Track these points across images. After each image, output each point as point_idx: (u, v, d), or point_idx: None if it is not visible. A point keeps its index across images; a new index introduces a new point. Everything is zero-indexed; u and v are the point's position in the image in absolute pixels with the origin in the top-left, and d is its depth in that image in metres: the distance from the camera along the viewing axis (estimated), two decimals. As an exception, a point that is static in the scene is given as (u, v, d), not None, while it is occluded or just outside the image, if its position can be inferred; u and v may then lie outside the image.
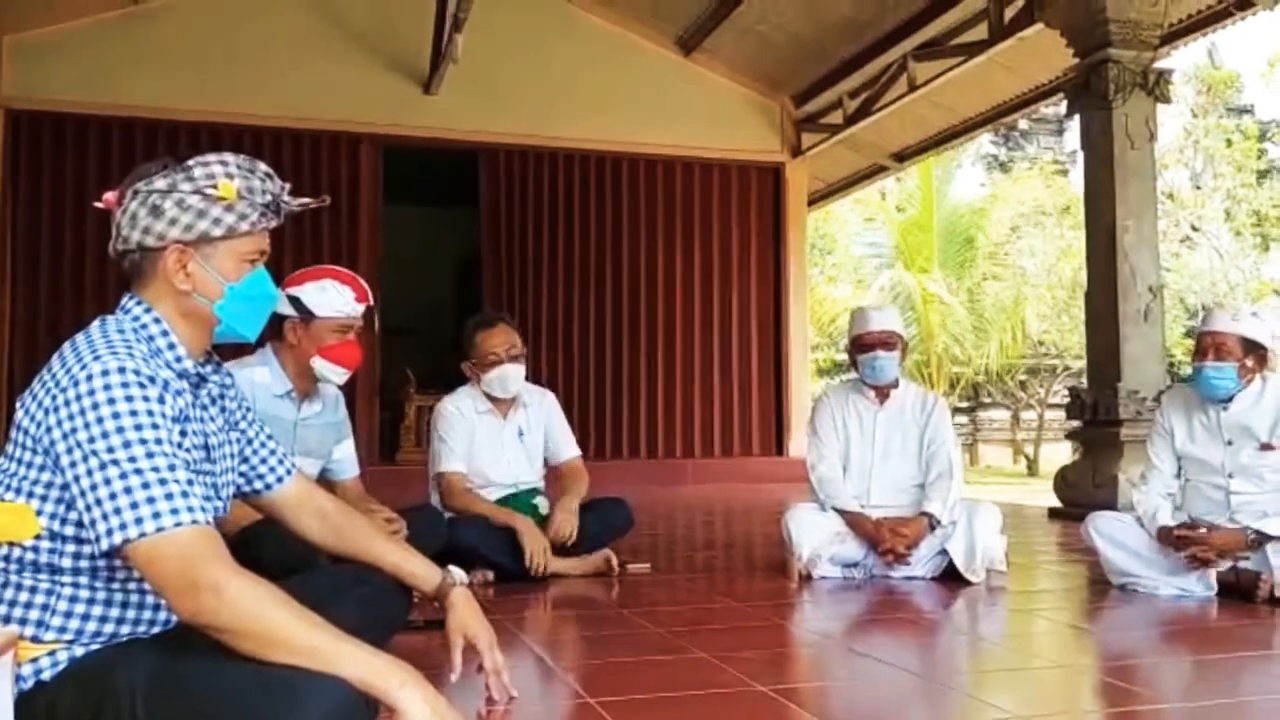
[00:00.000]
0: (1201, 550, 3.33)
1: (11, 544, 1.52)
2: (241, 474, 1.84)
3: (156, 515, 1.43)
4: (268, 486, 1.88)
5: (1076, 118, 6.90)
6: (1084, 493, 6.28)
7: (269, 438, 1.89)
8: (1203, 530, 3.36)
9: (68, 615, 1.53)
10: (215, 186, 1.61)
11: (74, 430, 1.46)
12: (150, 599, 1.57)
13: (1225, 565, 3.37)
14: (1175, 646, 2.93)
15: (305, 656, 1.41)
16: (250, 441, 1.85)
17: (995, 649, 2.99)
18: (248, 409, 1.87)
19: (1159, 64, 6.61)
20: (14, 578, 1.53)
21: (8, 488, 1.53)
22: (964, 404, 20.59)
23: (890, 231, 19.97)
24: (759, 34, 9.70)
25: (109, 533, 1.43)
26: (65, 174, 8.81)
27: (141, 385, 1.50)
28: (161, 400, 1.51)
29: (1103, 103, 6.45)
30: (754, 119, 10.74)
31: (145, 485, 1.44)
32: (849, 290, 20.76)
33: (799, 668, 2.73)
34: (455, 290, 13.58)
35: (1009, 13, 7.87)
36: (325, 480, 3.26)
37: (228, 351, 1.95)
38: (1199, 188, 21.35)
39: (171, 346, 1.63)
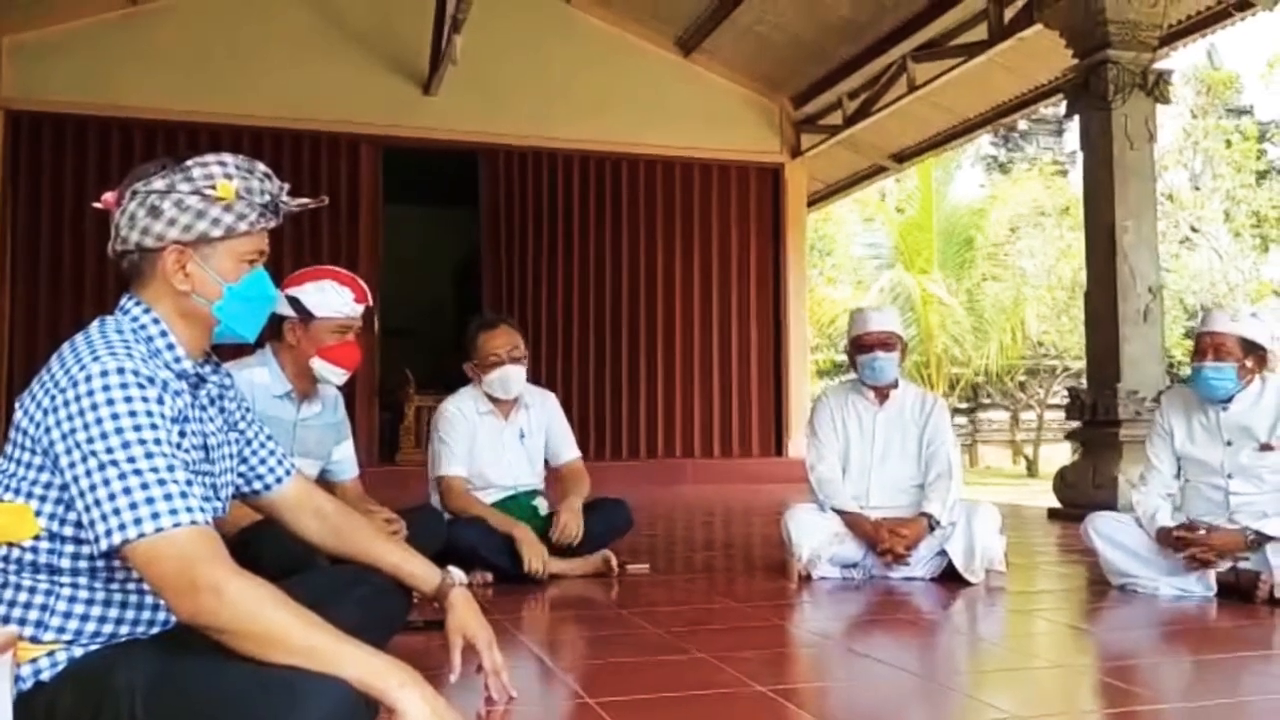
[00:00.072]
0: (1201, 551, 3.33)
1: (11, 544, 1.52)
2: (240, 474, 1.84)
3: (155, 516, 1.43)
4: (267, 487, 1.88)
5: (1076, 118, 6.90)
6: (1083, 493, 6.28)
7: (268, 438, 1.89)
8: (1202, 531, 3.36)
9: (67, 616, 1.52)
10: (214, 187, 1.61)
11: (73, 431, 1.46)
12: (149, 599, 1.57)
13: (1225, 566, 3.37)
14: (1175, 647, 2.93)
15: (304, 657, 1.41)
16: (249, 442, 1.85)
17: (994, 649, 2.99)
18: (247, 409, 1.87)
19: (1158, 65, 6.62)
20: (13, 578, 1.52)
21: (7, 488, 1.52)
22: (963, 405, 20.60)
23: (890, 232, 19.98)
24: (758, 34, 9.70)
25: (108, 533, 1.43)
26: (65, 174, 8.82)
27: (141, 386, 1.50)
28: (160, 401, 1.51)
29: (1102, 103, 6.45)
30: (753, 120, 10.74)
31: (144, 486, 1.44)
32: (848, 291, 20.77)
33: (798, 668, 2.73)
34: (455, 291, 13.59)
35: (1008, 13, 7.88)
36: (325, 481, 3.26)
37: (227, 352, 1.95)
38: (1198, 188, 21.36)
39: (170, 347, 1.63)
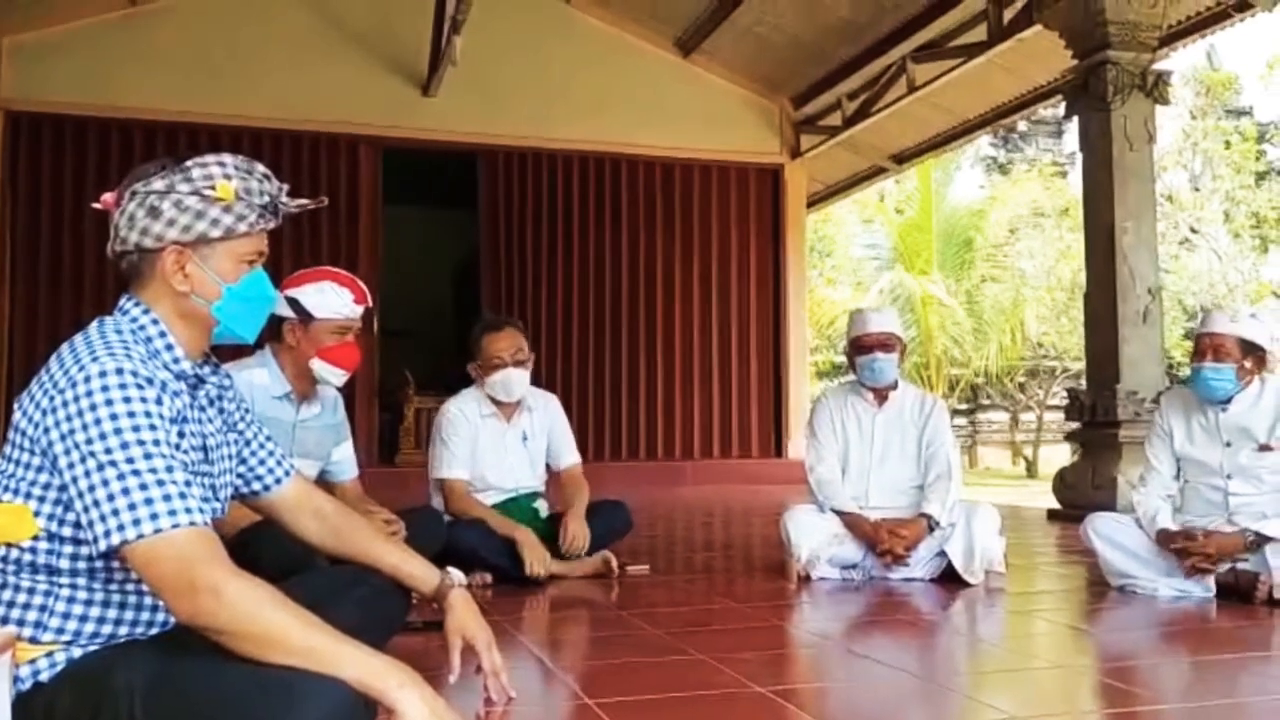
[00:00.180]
0: (1200, 560, 3.34)
1: (9, 545, 1.52)
2: (240, 475, 1.84)
3: (154, 517, 1.43)
4: (266, 488, 1.88)
5: (1075, 119, 6.91)
6: (1083, 494, 6.28)
7: (267, 439, 1.89)
8: (1200, 537, 3.36)
9: (66, 616, 1.52)
10: (213, 188, 1.60)
11: (72, 431, 1.46)
12: (148, 600, 1.57)
13: (1224, 567, 3.37)
14: (1174, 647, 2.93)
15: (303, 657, 1.41)
16: (248, 443, 1.85)
17: (994, 650, 2.99)
18: (246, 410, 1.87)
19: (1158, 66, 6.62)
20: (12, 579, 1.52)
21: (5, 489, 1.52)
22: (963, 406, 20.61)
23: (889, 233, 19.98)
24: (758, 35, 9.71)
25: (107, 534, 1.43)
26: (64, 175, 8.83)
27: (139, 386, 1.49)
28: (159, 401, 1.51)
29: (1101, 104, 6.46)
30: (753, 120, 10.75)
31: (143, 486, 1.44)
32: (848, 292, 20.77)
33: (798, 669, 2.73)
34: (454, 292, 13.59)
35: (1008, 14, 7.89)
36: (324, 482, 3.26)
37: (226, 353, 1.95)
38: (1198, 189, 21.37)
39: (169, 348, 1.63)
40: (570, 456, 4.15)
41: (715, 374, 10.55)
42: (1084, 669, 2.72)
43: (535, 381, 4.07)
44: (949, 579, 3.72)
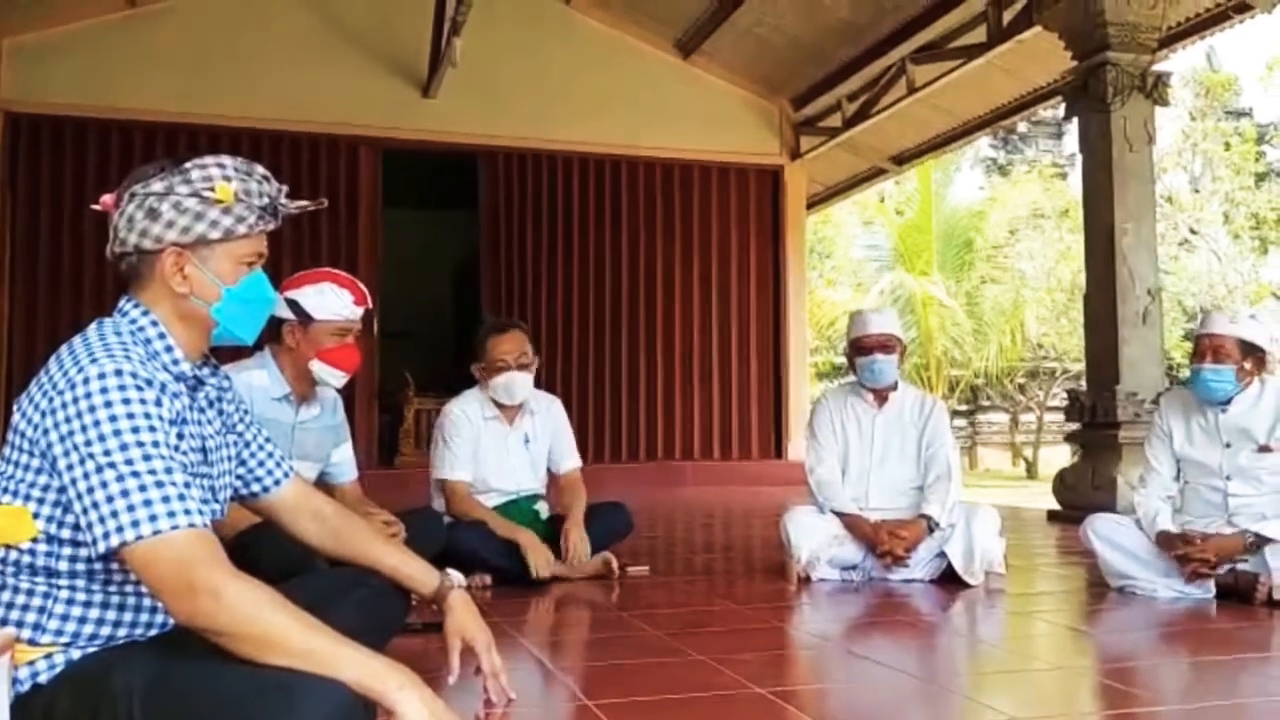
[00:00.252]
0: (1200, 566, 3.34)
1: (8, 547, 1.52)
2: (239, 477, 1.84)
3: (153, 518, 1.43)
4: (265, 489, 1.88)
5: (1075, 121, 6.91)
6: (1082, 495, 6.28)
7: (267, 440, 1.89)
8: (1199, 541, 3.36)
9: (64, 618, 1.52)
10: (212, 189, 1.60)
11: (71, 433, 1.46)
12: (147, 602, 1.57)
13: (1224, 568, 3.37)
14: (1174, 649, 2.93)
15: (303, 659, 1.41)
16: (248, 444, 1.85)
17: (994, 651, 2.99)
18: (245, 412, 1.87)
19: (1157, 67, 6.62)
20: (11, 580, 1.52)
21: (5, 490, 1.52)
22: (963, 407, 20.60)
23: (889, 234, 19.99)
24: (757, 37, 9.71)
25: (106, 536, 1.43)
26: (64, 177, 8.82)
27: (139, 388, 1.49)
28: (158, 403, 1.51)
29: (1101, 105, 6.46)
30: (753, 122, 10.75)
31: (142, 488, 1.44)
32: (848, 293, 20.77)
33: (798, 670, 2.73)
34: (454, 293, 13.59)
35: (1007, 16, 7.89)
36: (323, 484, 3.26)
37: (226, 354, 1.95)
38: (1197, 190, 21.38)
39: (169, 349, 1.63)
40: (570, 461, 4.15)
41: (715, 375, 10.55)
42: (1084, 670, 2.72)
43: (535, 383, 4.06)
44: (949, 580, 3.72)
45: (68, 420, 1.46)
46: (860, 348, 3.94)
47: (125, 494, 1.43)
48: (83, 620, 1.53)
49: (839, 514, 3.83)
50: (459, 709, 1.66)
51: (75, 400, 1.47)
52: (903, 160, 11.51)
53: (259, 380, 3.07)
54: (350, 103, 9.33)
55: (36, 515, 1.50)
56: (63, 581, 1.53)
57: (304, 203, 1.73)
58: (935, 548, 3.77)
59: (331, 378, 3.12)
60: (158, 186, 1.60)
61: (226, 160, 1.65)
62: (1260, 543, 3.29)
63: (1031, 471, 19.03)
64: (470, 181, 10.31)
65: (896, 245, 19.61)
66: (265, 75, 9.14)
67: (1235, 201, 20.93)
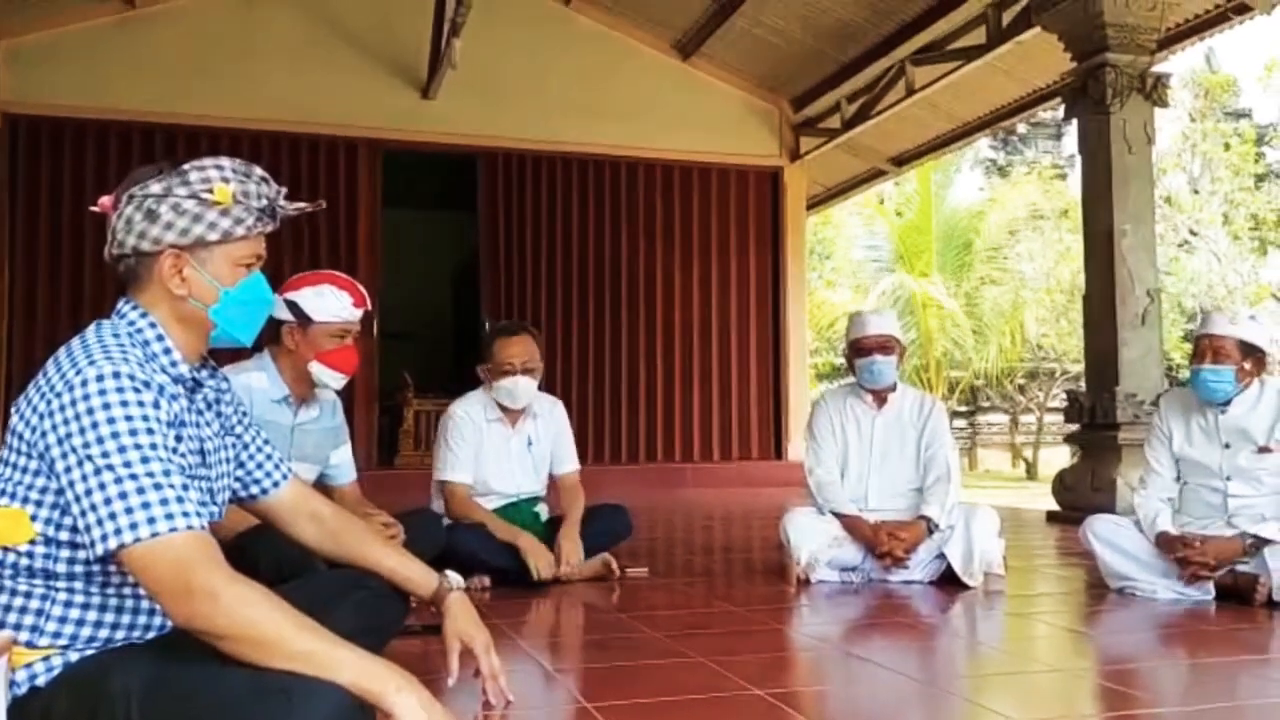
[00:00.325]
0: (1199, 569, 3.34)
1: (6, 549, 1.52)
2: (237, 479, 1.84)
3: (151, 520, 1.42)
4: (264, 491, 1.88)
5: (1074, 122, 6.91)
6: (1082, 496, 6.28)
7: (265, 442, 1.89)
8: (1198, 544, 3.36)
9: (62, 620, 1.52)
10: (211, 191, 1.60)
11: (69, 435, 1.46)
12: (145, 604, 1.57)
13: (1223, 570, 3.37)
14: (1173, 650, 2.93)
15: (301, 661, 1.40)
16: (246, 446, 1.85)
17: (993, 653, 2.99)
18: (244, 413, 1.87)
19: (1156, 68, 6.63)
20: (8, 583, 1.52)
21: (3, 493, 1.52)
22: (962, 408, 20.60)
23: (889, 236, 19.99)
24: (757, 38, 9.71)
25: (104, 538, 1.43)
26: (63, 178, 8.82)
27: (136, 390, 1.49)
28: (156, 405, 1.51)
29: (1100, 107, 6.46)
30: (752, 123, 10.75)
31: (140, 490, 1.43)
32: (848, 294, 20.76)
33: (797, 672, 2.73)
34: (454, 294, 13.59)
35: (1007, 17, 7.89)
36: (322, 485, 3.26)
37: (225, 356, 1.95)
38: (1197, 192, 21.38)
39: (167, 351, 1.62)
40: (570, 464, 4.14)
41: (715, 376, 10.54)
42: (1083, 672, 2.72)
43: (538, 386, 4.05)
44: (948, 581, 3.72)
45: (66, 422, 1.46)
46: (859, 349, 3.94)
47: (123, 496, 1.43)
48: (81, 623, 1.53)
49: (838, 515, 3.83)
50: (458, 711, 1.66)
51: (73, 402, 1.46)
52: (902, 161, 11.51)
53: (258, 382, 3.07)
54: (350, 104, 9.33)
55: (34, 517, 1.50)
56: (61, 584, 1.52)
57: (302, 204, 1.73)
58: (935, 549, 3.77)
59: (330, 380, 3.11)
60: (156, 188, 1.60)
61: (225, 162, 1.64)
62: (1259, 545, 3.29)
63: (1031, 473, 19.02)
64: (470, 183, 10.31)
65: (896, 246, 19.60)
66: (264, 76, 9.13)
67: (1235, 202, 20.94)
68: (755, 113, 10.75)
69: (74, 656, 1.52)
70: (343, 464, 3.35)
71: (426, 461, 4.15)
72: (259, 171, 1.67)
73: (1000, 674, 2.68)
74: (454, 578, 2.10)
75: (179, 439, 1.56)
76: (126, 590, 1.55)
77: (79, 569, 1.52)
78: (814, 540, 3.79)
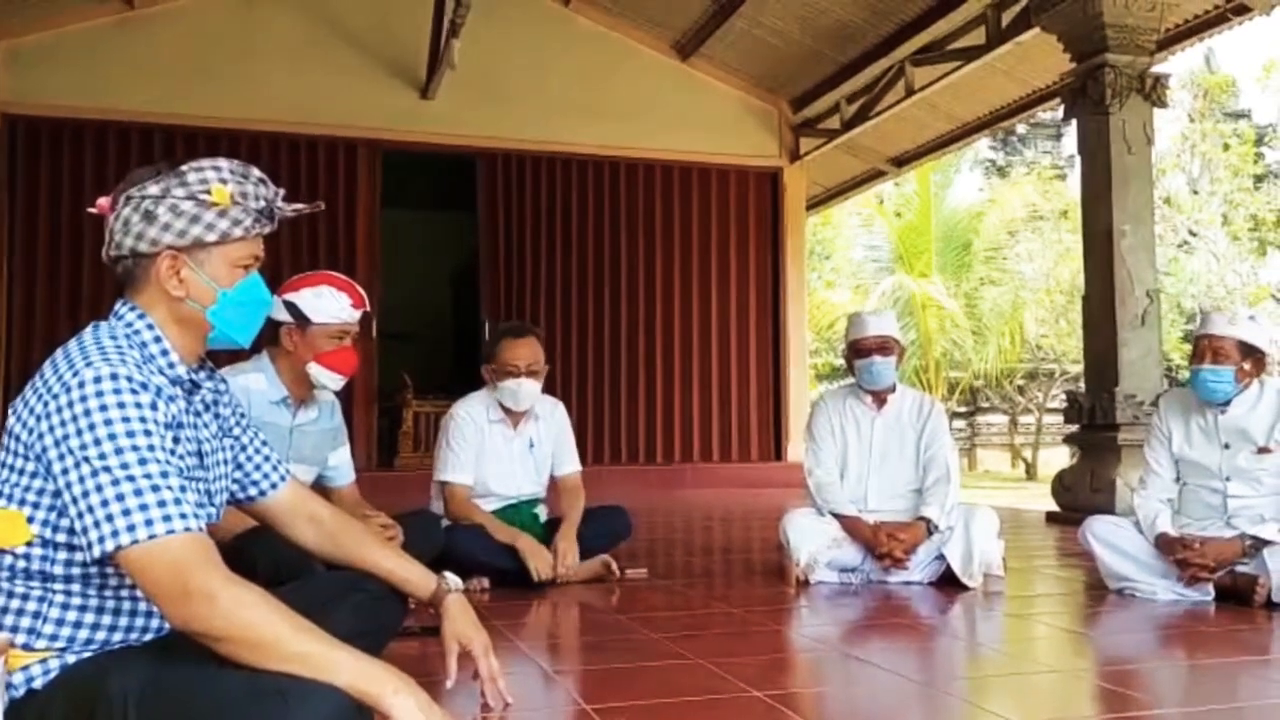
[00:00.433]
0: (1199, 571, 3.34)
1: (4, 551, 1.51)
2: (235, 480, 1.83)
3: (149, 522, 1.42)
4: (261, 493, 1.87)
5: (1074, 122, 6.91)
6: (1082, 497, 6.28)
7: (263, 444, 1.89)
8: (1198, 545, 3.35)
9: (59, 623, 1.52)
10: (209, 192, 1.60)
11: (66, 437, 1.45)
12: (142, 606, 1.57)
13: (1222, 571, 3.37)
14: (1172, 651, 2.93)
15: (298, 663, 1.40)
16: (244, 448, 1.84)
17: (992, 654, 2.99)
18: (242, 415, 1.87)
19: (1156, 69, 6.63)
20: (6, 585, 1.52)
21: (0, 494, 1.52)
22: (962, 409, 20.59)
23: (889, 236, 19.99)
24: (756, 38, 9.71)
25: (101, 540, 1.42)
26: (62, 179, 8.81)
27: (134, 391, 1.49)
28: (154, 406, 1.51)
29: (1100, 107, 6.46)
30: (752, 123, 10.75)
31: (138, 492, 1.43)
32: (847, 295, 20.75)
33: (796, 673, 2.72)
34: (453, 295, 13.59)
35: (1006, 18, 7.89)
36: (321, 487, 3.26)
37: (223, 357, 1.95)
38: (1196, 192, 21.39)
39: (165, 353, 1.62)
40: (570, 465, 4.14)
41: (715, 377, 10.54)
42: (1082, 673, 2.72)
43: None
44: (948, 582, 3.72)
45: (63, 424, 1.46)
46: (858, 350, 3.94)
47: (120, 498, 1.42)
48: (78, 625, 1.53)
49: (838, 516, 3.82)
50: (456, 713, 1.66)
51: (70, 404, 1.46)
52: (902, 162, 11.51)
53: (256, 383, 3.07)
54: (349, 104, 9.32)
55: (31, 519, 1.50)
56: (58, 586, 1.52)
57: (301, 205, 1.73)
58: (934, 550, 3.77)
59: (329, 381, 3.11)
60: (153, 189, 1.60)
61: (223, 163, 1.64)
62: (1258, 546, 3.29)
63: (1030, 473, 19.01)
64: (469, 183, 10.31)
65: (896, 247, 19.60)
66: (263, 77, 9.13)
67: (1234, 203, 20.94)
68: (755, 113, 10.75)
69: (71, 659, 1.52)
70: (341, 465, 3.35)
71: (426, 463, 4.14)
72: (257, 173, 1.67)
73: (999, 675, 2.67)
74: (452, 579, 2.10)
75: (176, 440, 1.55)
76: (124, 592, 1.55)
77: (76, 571, 1.52)
78: (813, 541, 3.78)
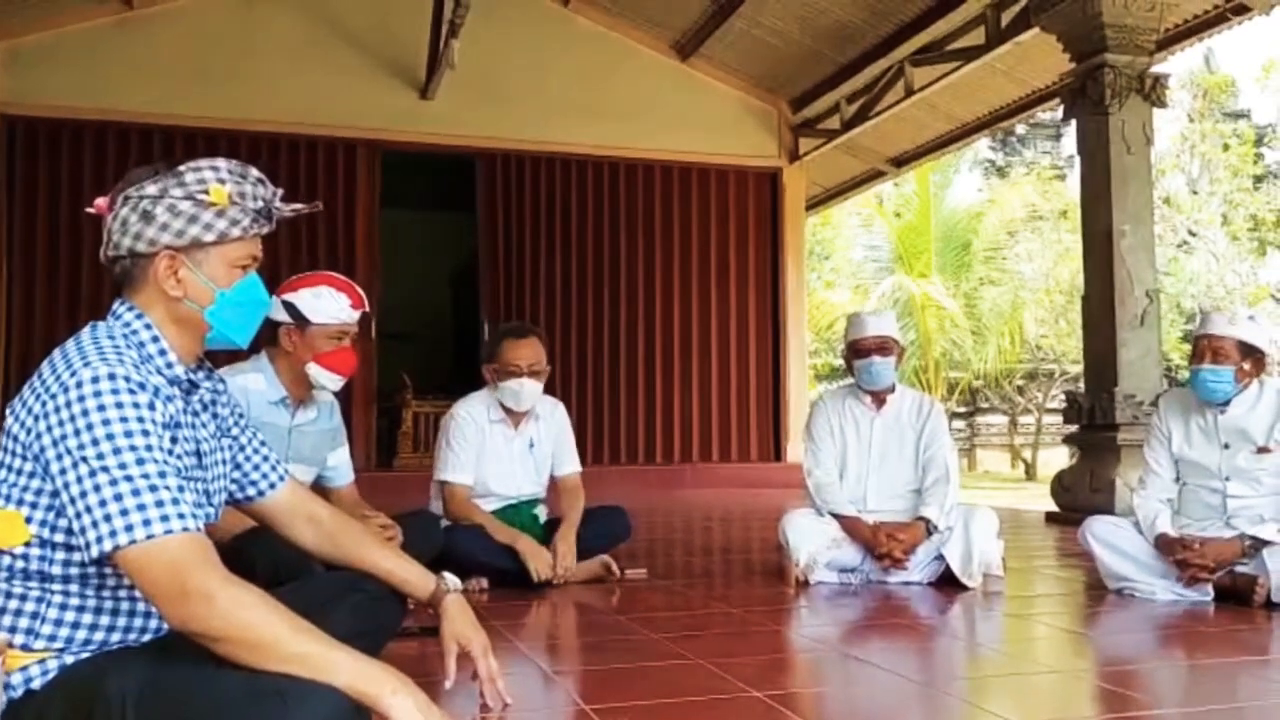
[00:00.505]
0: (1199, 571, 3.34)
1: (2, 551, 1.51)
2: (234, 481, 1.83)
3: (147, 522, 1.42)
4: (260, 493, 1.87)
5: (1073, 123, 6.91)
6: (1081, 497, 6.28)
7: (262, 444, 1.88)
8: (1197, 545, 3.35)
9: (58, 623, 1.52)
10: (207, 192, 1.60)
11: (64, 437, 1.45)
12: (141, 607, 1.56)
13: (1222, 571, 3.37)
14: (1172, 651, 2.93)
15: (296, 664, 1.40)
16: (242, 448, 1.84)
17: (992, 654, 2.98)
18: (240, 415, 1.86)
19: (1155, 69, 6.63)
20: (4, 585, 1.51)
21: (-2, 494, 1.52)
22: (962, 409, 20.59)
23: (889, 236, 20.00)
24: (755, 39, 9.71)
25: (99, 540, 1.42)
26: (61, 180, 8.82)
27: (131, 391, 1.49)
28: (152, 406, 1.50)
29: (1099, 108, 6.46)
30: (751, 124, 10.75)
31: (135, 492, 1.43)
32: (847, 295, 20.76)
33: (796, 673, 2.72)
34: (453, 295, 13.59)
35: (1006, 18, 7.90)
36: (320, 487, 3.25)
37: (222, 357, 1.94)
38: (1196, 192, 21.39)
39: (163, 353, 1.62)
40: (570, 465, 4.14)
41: (714, 377, 10.54)
42: (1082, 673, 2.71)
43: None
44: (947, 582, 3.72)
45: (60, 424, 1.46)
46: (858, 350, 3.94)
47: (118, 498, 1.42)
48: (76, 625, 1.52)
49: (837, 517, 3.82)
50: (455, 714, 1.66)
51: (68, 404, 1.46)
52: (901, 162, 11.51)
53: (255, 383, 3.06)
54: (348, 105, 9.32)
55: (30, 519, 1.49)
56: (56, 586, 1.52)
57: (299, 205, 1.72)
58: (933, 550, 3.77)
59: (328, 381, 3.10)
60: (151, 189, 1.59)
61: (221, 163, 1.64)
62: (1258, 546, 3.29)
63: (1030, 473, 19.01)
64: (468, 183, 10.31)
65: (895, 247, 19.60)
66: (262, 77, 9.13)
67: (1233, 203, 20.95)
68: (754, 113, 10.75)
69: (69, 659, 1.52)
70: (340, 466, 3.35)
71: (425, 463, 4.14)
72: (255, 173, 1.67)
73: (999, 675, 2.67)
74: (451, 580, 2.10)
75: (174, 440, 1.55)
76: (122, 593, 1.55)
77: (74, 571, 1.51)
78: (813, 541, 3.78)
